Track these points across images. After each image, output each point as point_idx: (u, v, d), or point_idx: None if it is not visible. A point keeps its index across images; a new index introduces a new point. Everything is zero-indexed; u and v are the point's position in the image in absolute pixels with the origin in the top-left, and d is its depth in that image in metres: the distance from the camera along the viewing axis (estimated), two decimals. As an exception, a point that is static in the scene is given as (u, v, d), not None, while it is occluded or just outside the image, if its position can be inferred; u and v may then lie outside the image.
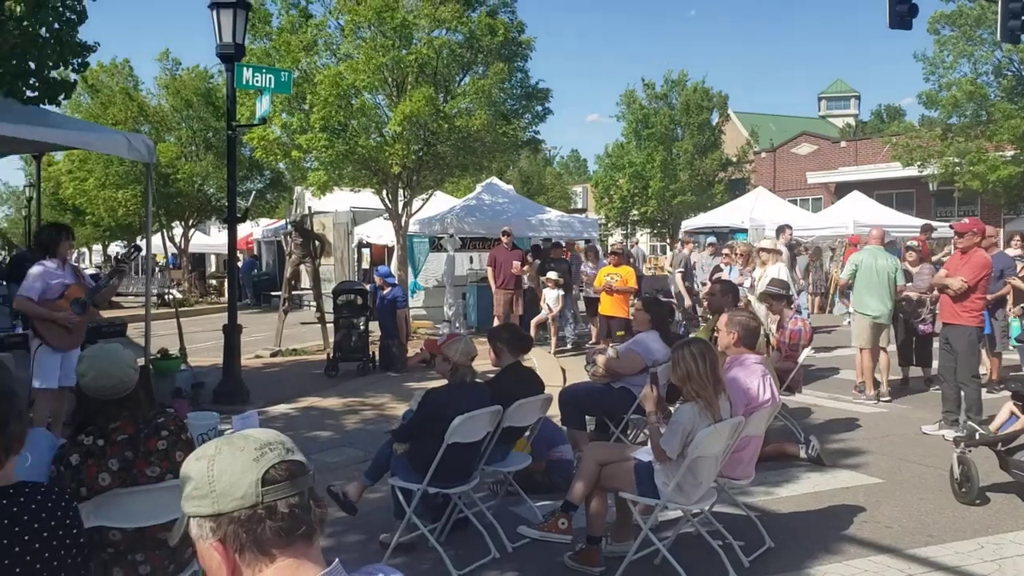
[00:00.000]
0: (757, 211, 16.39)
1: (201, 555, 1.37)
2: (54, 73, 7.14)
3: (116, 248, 44.02)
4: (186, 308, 18.06)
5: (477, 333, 11.71)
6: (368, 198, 16.18)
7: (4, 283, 17.39)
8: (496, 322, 11.76)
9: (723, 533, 4.17)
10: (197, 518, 1.36)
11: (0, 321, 13.79)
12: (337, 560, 1.38)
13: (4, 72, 6.68)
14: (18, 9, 6.29)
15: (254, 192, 18.63)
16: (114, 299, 20.93)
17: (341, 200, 17.38)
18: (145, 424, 2.84)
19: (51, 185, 28.47)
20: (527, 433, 4.94)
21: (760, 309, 7.25)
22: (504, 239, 12.71)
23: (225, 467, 1.36)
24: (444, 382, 4.37)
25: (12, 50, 6.50)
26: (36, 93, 6.97)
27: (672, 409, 4.29)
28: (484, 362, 5.05)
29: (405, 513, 4.13)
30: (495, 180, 17.10)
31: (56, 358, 5.78)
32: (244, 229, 24.59)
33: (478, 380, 4.38)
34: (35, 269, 5.84)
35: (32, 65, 6.85)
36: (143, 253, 7.30)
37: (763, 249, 8.84)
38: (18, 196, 51.69)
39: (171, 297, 20.86)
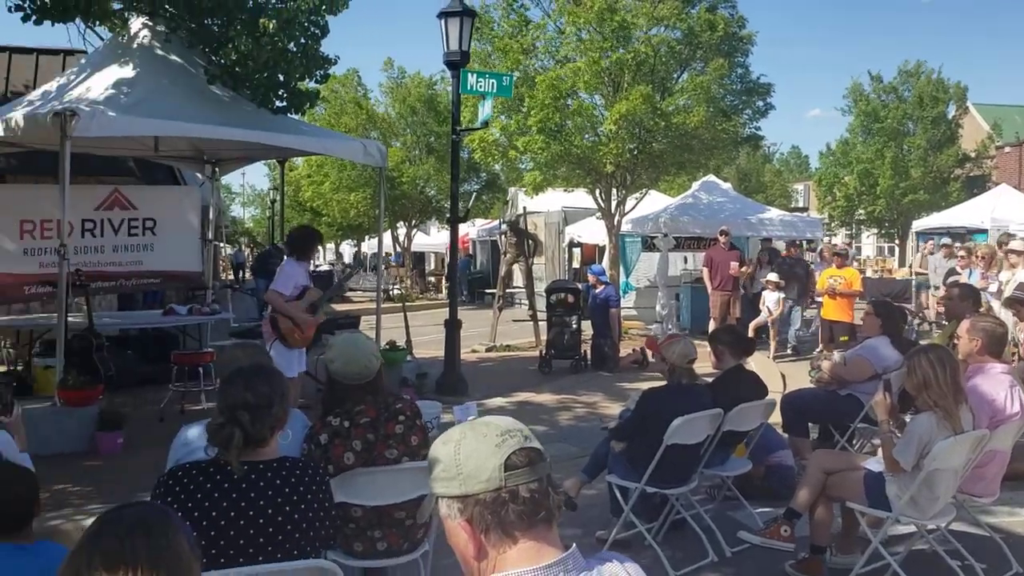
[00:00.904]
0: (999, 210, 14.83)
1: (449, 533, 1.45)
2: (300, 85, 8.04)
3: (347, 247, 48.75)
4: (408, 304, 19.40)
5: (691, 335, 11.42)
6: (579, 197, 16.47)
7: (253, 277, 19.98)
8: (712, 325, 11.50)
9: (962, 553, 3.96)
10: (445, 499, 1.44)
11: (249, 311, 15.97)
12: (575, 545, 1.43)
13: (258, 84, 7.63)
14: (271, 26, 7.19)
15: (473, 194, 19.66)
16: (345, 294, 22.46)
17: (553, 200, 17.79)
18: (385, 409, 3.10)
19: (292, 188, 32.20)
20: (747, 438, 4.84)
21: (1006, 315, 6.80)
22: (722, 239, 12.31)
23: (471, 451, 1.44)
24: (659, 383, 4.42)
25: (265, 64, 7.41)
26: (284, 103, 7.91)
27: (906, 419, 3.96)
28: (703, 364, 4.99)
29: (622, 511, 4.20)
30: (712, 178, 16.64)
31: (292, 354, 6.54)
32: (461, 229, 25.90)
33: (697, 382, 4.38)
34: (287, 268, 6.66)
35: (281, 77, 7.78)
36: (363, 271, 8.33)
37: (1012, 251, 7.93)
38: (263, 198, 58.64)
39: (396, 293, 22.61)
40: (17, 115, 6.45)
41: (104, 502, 5.06)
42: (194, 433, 2.85)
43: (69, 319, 6.83)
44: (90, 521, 1.35)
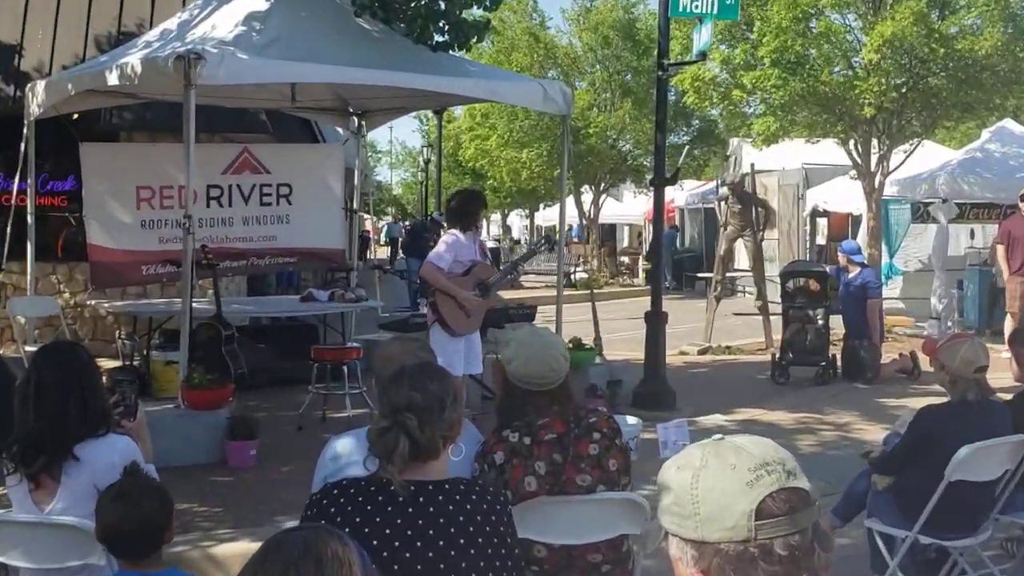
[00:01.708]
0: None
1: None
2: (464, 14, 8.23)
3: (516, 218, 49.98)
4: (596, 291, 19.48)
5: (979, 335, 10.69)
6: (825, 151, 15.94)
7: (403, 256, 20.87)
8: (1009, 323, 10.78)
9: None
10: (677, 539, 1.44)
11: (399, 299, 16.70)
12: None
13: (414, 15, 7.87)
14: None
15: (684, 148, 19.35)
16: (516, 278, 23.01)
17: (790, 154, 17.20)
18: (576, 423, 3.11)
19: (450, 145, 33.47)
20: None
21: None
22: (1023, 206, 11.36)
23: (712, 485, 1.43)
24: (937, 400, 4.33)
25: (423, -12, 7.68)
26: (445, 38, 8.09)
27: None
28: (998, 374, 4.62)
29: (887, 566, 4.12)
30: (1009, 123, 15.30)
31: (457, 343, 6.78)
32: (666, 194, 25.76)
33: (990, 399, 4.24)
34: (446, 239, 6.90)
35: (442, 5, 7.95)
36: (548, 248, 8.57)
37: None
38: (414, 158, 61.36)
39: (580, 277, 22.80)
40: (132, 60, 6.96)
41: (235, 526, 5.44)
42: (345, 445, 2.96)
43: (194, 305, 7.41)
44: (220, 548, 1.40)
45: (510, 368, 3.18)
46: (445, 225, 7.29)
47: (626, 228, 33.22)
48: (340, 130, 11.80)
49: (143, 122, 10.19)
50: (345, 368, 7.96)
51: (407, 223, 43.01)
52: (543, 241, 8.52)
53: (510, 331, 3.49)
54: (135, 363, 8.96)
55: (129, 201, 9.06)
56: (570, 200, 25.18)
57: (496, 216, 45.94)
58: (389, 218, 57.62)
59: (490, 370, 7.80)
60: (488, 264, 7.12)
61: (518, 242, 44.96)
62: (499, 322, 8.73)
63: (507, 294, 20.37)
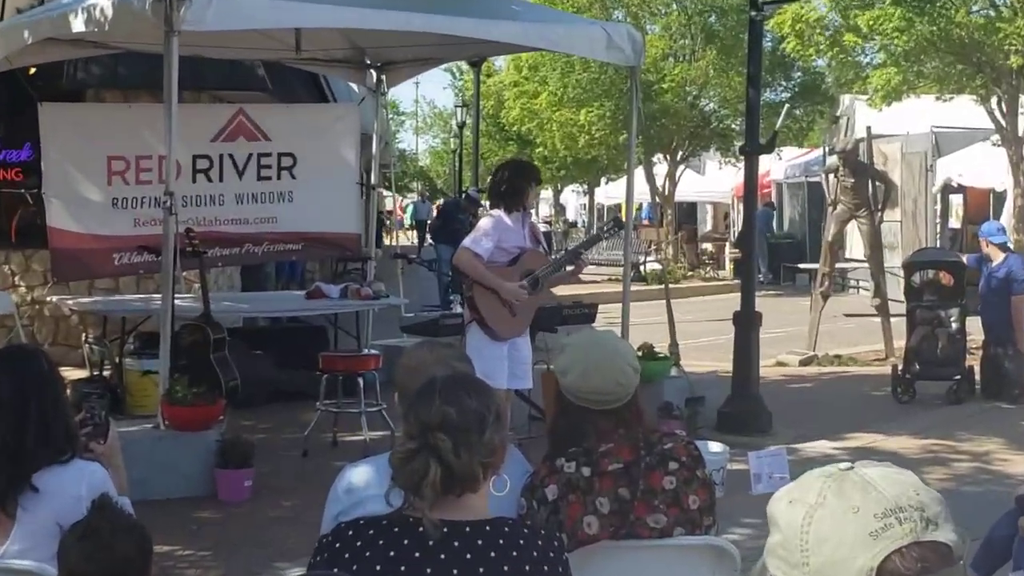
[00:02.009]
0: None
1: None
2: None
3: (571, 194, 49.71)
4: (672, 285, 19.46)
5: None
6: (960, 111, 15.80)
7: (431, 243, 20.93)
8: None
9: None
10: None
11: (427, 295, 16.75)
12: None
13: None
14: None
15: (784, 107, 19.16)
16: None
17: (916, 115, 16.97)
18: (647, 449, 3.11)
19: (490, 105, 33.56)
20: None
21: None
22: None
23: (827, 532, 1.42)
24: None
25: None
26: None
27: None
28: None
29: None
30: None
31: (499, 348, 6.80)
32: (760, 164, 25.62)
33: None
34: (486, 221, 6.93)
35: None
36: (615, 231, 8.47)
37: None
38: (445, 121, 61.45)
39: (651, 268, 22.74)
40: (102, 1, 6.90)
41: (226, 573, 5.50)
42: (362, 475, 2.97)
43: (177, 302, 7.51)
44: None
45: (565, 381, 3.18)
46: (485, 204, 7.33)
47: (709, 207, 33.06)
48: (355, 87, 11.87)
49: (115, 78, 10.33)
50: (361, 380, 8.00)
51: (437, 202, 43.24)
52: (610, 224, 8.53)
53: (565, 335, 3.49)
54: (105, 373, 9.09)
55: (98, 175, 9.20)
56: (639, 173, 25.05)
57: (547, 192, 45.96)
58: (415, 196, 57.87)
59: (540, 383, 7.90)
60: (540, 252, 7.12)
61: (574, 224, 44.98)
62: (552, 324, 8.72)
63: (562, 291, 20.33)
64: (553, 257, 7.29)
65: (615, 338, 3.37)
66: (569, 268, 7.27)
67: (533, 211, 7.82)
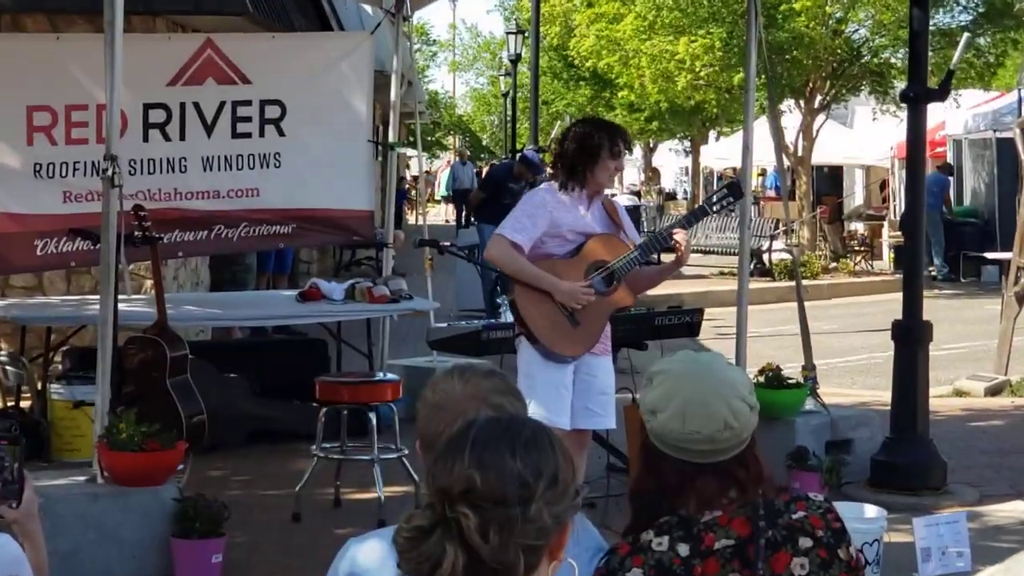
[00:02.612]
0: None
1: None
2: None
3: (668, 154, 49.23)
4: (806, 283, 19.24)
5: None
6: None
7: (474, 222, 20.70)
8: None
9: None
10: None
11: (470, 294, 16.64)
12: None
13: None
14: None
15: (964, 35, 18.95)
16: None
17: None
18: (768, 519, 3.08)
19: (553, 33, 33.48)
20: None
21: None
22: None
23: None
24: None
25: None
26: None
27: None
28: None
29: None
30: None
31: (559, 372, 6.76)
32: (930, 116, 25.33)
33: None
34: (531, 197, 6.98)
35: None
36: (731, 202, 7.90)
37: None
38: (493, 53, 61.45)
39: (779, 259, 22.58)
40: None
41: None
42: (370, 554, 2.96)
43: (122, 306, 7.53)
44: None
45: (655, 424, 3.14)
46: (548, 171, 7.29)
47: (859, 173, 32.80)
48: (367, 8, 11.90)
49: (37, -1, 10.43)
50: (373, 416, 8.03)
51: (482, 165, 43.15)
52: (722, 193, 8.03)
53: (659, 359, 3.45)
54: (23, 404, 9.15)
55: (13, 131, 9.24)
56: (761, 125, 24.84)
57: (634, 153, 45.83)
58: (451, 156, 57.99)
59: (622, 421, 7.84)
60: (618, 238, 7.04)
61: (672, 196, 44.79)
62: (640, 337, 8.68)
63: (654, 290, 20.22)
64: (638, 243, 7.15)
65: (724, 362, 3.29)
66: (663, 259, 7.21)
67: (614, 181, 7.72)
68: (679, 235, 6.99)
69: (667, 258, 7.24)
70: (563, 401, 6.72)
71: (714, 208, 7.68)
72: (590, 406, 6.88)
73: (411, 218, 35.97)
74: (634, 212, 24.83)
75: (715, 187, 36.65)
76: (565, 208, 6.83)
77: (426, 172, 37.67)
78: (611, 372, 7.11)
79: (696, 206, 7.75)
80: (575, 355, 6.84)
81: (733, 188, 7.65)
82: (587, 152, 6.86)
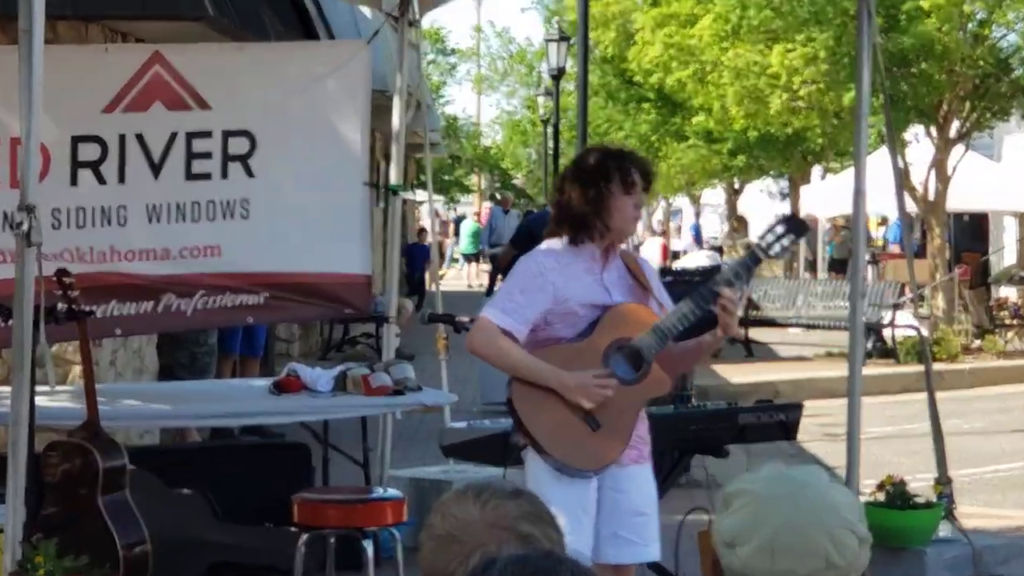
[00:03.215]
0: None
1: None
2: None
3: (758, 195, 48.87)
4: (941, 365, 19.12)
5: None
6: None
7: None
8: None
9: None
10: None
11: (493, 387, 16.57)
12: None
13: None
14: None
15: None
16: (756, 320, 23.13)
17: None
18: None
19: (608, 39, 33.96)
20: None
21: None
22: None
23: None
24: None
25: None
26: None
27: None
28: None
29: None
30: None
31: (576, 490, 6.72)
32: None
33: None
34: (530, 262, 6.95)
35: None
36: (792, 240, 7.71)
37: None
38: (529, 66, 61.69)
39: (900, 336, 22.52)
40: None
41: None
42: None
43: (41, 401, 7.56)
44: None
45: (735, 559, 3.19)
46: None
47: (1009, 222, 32.73)
48: (365, 11, 11.97)
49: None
50: (369, 545, 8.02)
51: (523, 210, 43.13)
52: (779, 230, 7.59)
53: (742, 473, 3.44)
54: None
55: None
56: (878, 159, 24.77)
57: (712, 192, 45.79)
58: (477, 202, 58.05)
59: (696, 551, 7.80)
60: (649, 304, 6.92)
61: (765, 249, 44.55)
62: (717, 440, 8.65)
63: (739, 374, 20.12)
64: (676, 308, 6.93)
65: (825, 479, 3.31)
66: (714, 334, 6.95)
67: (641, 237, 7.51)
68: (725, 295, 6.76)
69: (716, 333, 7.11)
70: (584, 528, 6.63)
71: (770, 251, 7.31)
72: (621, 532, 6.82)
73: (430, 283, 36.02)
74: (707, 274, 24.91)
75: (822, 240, 36.73)
76: (572, 273, 6.76)
77: (441, 221, 37.75)
78: (650, 487, 7.02)
79: (746, 251, 7.49)
80: (597, 468, 6.76)
81: (790, 222, 7.49)
82: (593, 192, 6.76)
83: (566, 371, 6.59)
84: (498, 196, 50.55)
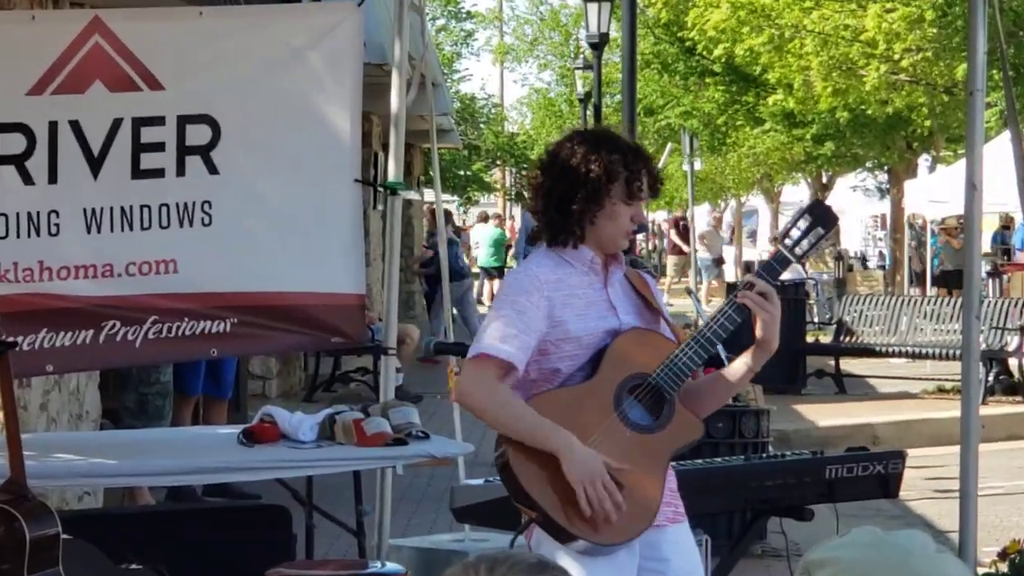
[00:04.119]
0: None
1: None
2: None
3: (856, 195, 48.68)
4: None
5: None
6: None
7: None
8: None
9: None
10: None
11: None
12: None
13: None
14: None
15: None
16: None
17: None
18: None
19: (662, 2, 33.59)
20: None
21: None
22: None
23: None
24: None
25: None
26: None
27: None
28: None
29: None
30: None
31: (612, 567, 6.72)
32: None
33: None
34: (521, 275, 7.09)
35: None
36: (820, 235, 7.64)
37: None
38: (565, 34, 61.88)
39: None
40: None
41: None
42: None
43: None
44: None
45: None
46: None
47: None
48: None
49: None
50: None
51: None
52: (804, 223, 7.51)
53: (830, 538, 3.47)
54: None
55: None
56: (998, 147, 24.82)
57: (794, 189, 45.98)
58: (498, 204, 58.20)
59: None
60: (661, 328, 6.92)
61: (863, 262, 44.59)
62: (799, 499, 8.66)
63: (828, 415, 20.09)
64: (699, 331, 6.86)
65: (932, 548, 3.34)
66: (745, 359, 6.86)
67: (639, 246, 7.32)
68: (756, 286, 6.82)
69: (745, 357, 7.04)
70: None
71: (796, 250, 7.16)
72: None
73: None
74: (796, 290, 24.86)
75: (931, 247, 36.63)
76: (568, 289, 6.73)
77: (455, 229, 37.88)
78: (692, 548, 7.03)
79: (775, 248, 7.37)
80: (627, 538, 6.69)
81: (816, 210, 7.38)
82: (584, 191, 6.66)
83: (577, 440, 6.47)
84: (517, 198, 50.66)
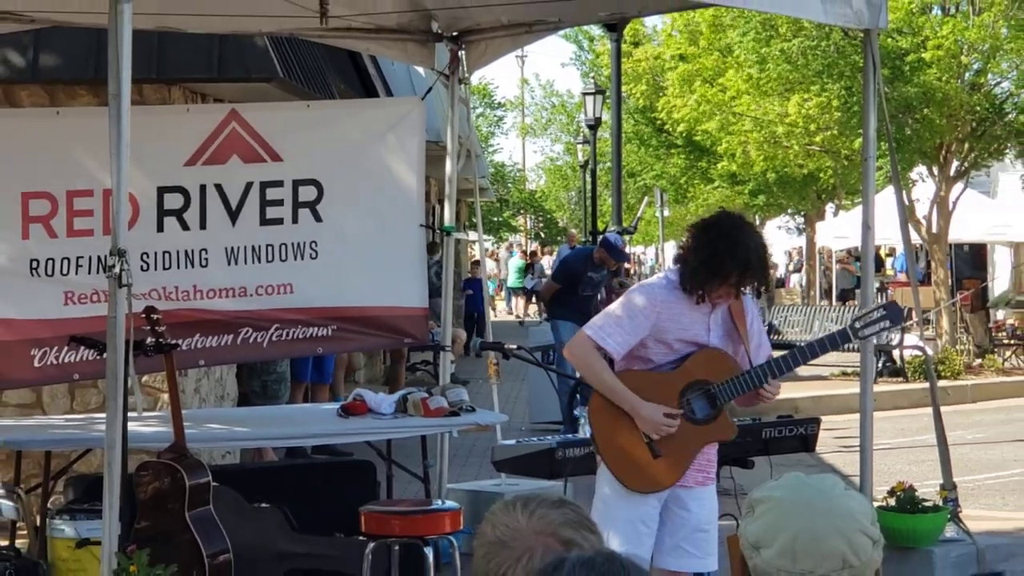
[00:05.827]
0: None
1: None
2: None
3: (781, 232, 48.78)
4: (947, 382, 19.16)
5: None
6: None
7: (546, 318, 20.48)
8: None
9: None
10: None
11: (540, 408, 16.47)
12: None
13: None
14: None
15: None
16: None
17: None
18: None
19: (639, 91, 33.93)
20: None
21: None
22: None
23: None
24: None
25: None
26: None
27: None
28: None
29: None
30: None
31: (638, 506, 6.71)
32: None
33: None
34: (639, 295, 6.87)
35: None
36: (886, 328, 7.42)
37: None
38: (570, 115, 61.35)
39: (908, 356, 22.40)
40: None
41: None
42: None
43: (133, 426, 7.59)
44: None
45: (759, 560, 3.17)
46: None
47: (1007, 252, 32.48)
48: (419, 71, 11.96)
49: (33, 68, 10.51)
50: (429, 552, 8.00)
51: (550, 248, 43.04)
52: (878, 317, 7.16)
53: (766, 482, 3.42)
54: (18, 543, 9.15)
55: (7, 222, 9.34)
56: (885, 197, 24.61)
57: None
58: (522, 241, 57.92)
59: (724, 555, 7.73)
60: (737, 353, 6.90)
61: (781, 283, 44.50)
62: (744, 453, 8.61)
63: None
64: (755, 366, 6.83)
65: (841, 487, 3.30)
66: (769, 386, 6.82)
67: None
68: (767, 391, 6.85)
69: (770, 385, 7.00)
70: (643, 540, 6.61)
71: (861, 334, 7.23)
72: (684, 545, 6.80)
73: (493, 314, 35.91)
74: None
75: (830, 270, 36.64)
76: (678, 311, 6.69)
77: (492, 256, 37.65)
78: (712, 505, 7.01)
79: (837, 329, 7.35)
80: (651, 491, 6.71)
81: (892, 310, 7.29)
82: (710, 271, 6.62)
83: (642, 399, 6.57)
84: (567, 236, 50.36)
